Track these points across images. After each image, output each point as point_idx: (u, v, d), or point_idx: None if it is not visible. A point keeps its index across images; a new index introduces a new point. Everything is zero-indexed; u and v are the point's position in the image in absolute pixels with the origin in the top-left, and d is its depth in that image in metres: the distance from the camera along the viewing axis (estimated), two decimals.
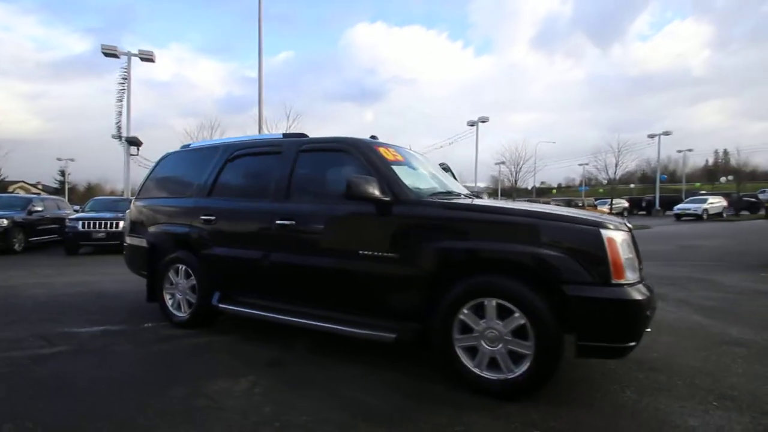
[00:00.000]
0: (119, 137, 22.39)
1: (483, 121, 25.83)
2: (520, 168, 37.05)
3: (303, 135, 3.49)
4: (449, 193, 3.12)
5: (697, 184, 51.66)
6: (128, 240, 4.28)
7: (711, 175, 62.71)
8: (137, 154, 16.85)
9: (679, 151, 42.83)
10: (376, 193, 2.66)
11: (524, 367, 2.31)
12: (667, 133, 31.16)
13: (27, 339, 3.45)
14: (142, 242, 4.02)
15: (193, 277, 3.65)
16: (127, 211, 4.36)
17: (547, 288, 2.28)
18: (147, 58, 16.37)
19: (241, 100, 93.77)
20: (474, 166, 26.18)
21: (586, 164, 50.58)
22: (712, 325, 3.91)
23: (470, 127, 26.59)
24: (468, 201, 2.89)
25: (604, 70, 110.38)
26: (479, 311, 2.44)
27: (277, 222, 3.12)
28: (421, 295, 2.60)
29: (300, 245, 3.06)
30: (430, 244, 2.55)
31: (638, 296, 2.17)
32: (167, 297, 3.85)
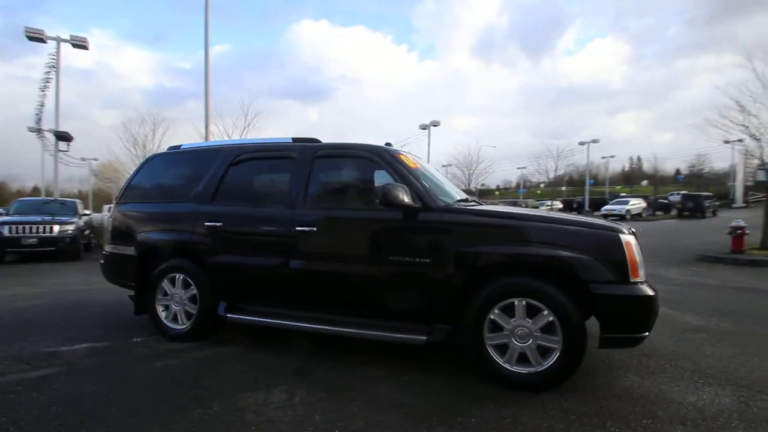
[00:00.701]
0: (38, 130, 19.97)
1: (435, 125, 26.69)
2: (474, 170, 38.74)
3: (315, 140, 3.46)
4: (465, 199, 3.29)
5: (618, 187, 57.43)
6: (109, 249, 3.92)
7: (627, 179, 70.29)
8: (67, 150, 15.17)
9: (603, 158, 47.39)
10: (407, 200, 2.74)
11: (552, 360, 2.53)
12: (595, 141, 34.39)
13: (0, 362, 3.05)
14: (129, 251, 3.71)
15: (193, 287, 3.46)
16: (107, 217, 3.99)
17: (572, 287, 2.52)
18: (80, 44, 14.76)
19: (173, 92, 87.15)
20: None
21: (524, 168, 54.29)
22: (671, 314, 4.48)
23: (422, 130, 27.39)
24: (495, 208, 3.07)
25: (536, 81, 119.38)
26: (508, 311, 2.62)
27: (297, 228, 3.07)
28: (451, 297, 2.72)
29: (323, 252, 3.05)
30: (463, 249, 2.69)
31: (651, 292, 2.48)
32: (160, 309, 3.60)
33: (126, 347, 3.40)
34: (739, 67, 9.76)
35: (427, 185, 2.96)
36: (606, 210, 28.61)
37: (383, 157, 3.07)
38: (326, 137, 3.46)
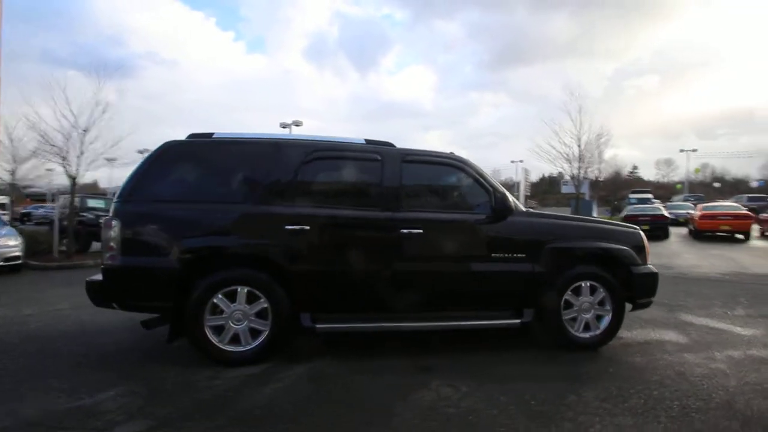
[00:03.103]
0: None
1: (297, 125, 26.22)
2: None
3: (389, 144, 3.51)
4: None
5: None
6: (120, 262, 2.92)
7: None
8: None
9: None
10: (512, 205, 3.23)
11: (604, 324, 3.44)
12: None
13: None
14: (163, 262, 2.91)
15: (262, 300, 3.02)
16: (113, 221, 2.95)
17: (617, 270, 3.49)
18: None
19: None
20: None
21: None
22: None
23: (283, 129, 26.55)
24: (557, 213, 3.81)
25: (363, 93, 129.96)
26: (576, 291, 3.41)
27: (402, 231, 3.13)
28: (537, 285, 3.34)
29: (428, 253, 3.20)
30: (549, 245, 3.34)
31: (656, 270, 3.67)
32: (209, 331, 2.98)
33: (179, 385, 2.72)
34: (559, 109, 13.58)
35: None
36: None
37: (470, 166, 3.44)
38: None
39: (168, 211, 3.04)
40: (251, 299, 3.03)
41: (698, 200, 23.93)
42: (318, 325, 3.07)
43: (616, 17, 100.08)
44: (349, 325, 3.13)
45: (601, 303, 3.45)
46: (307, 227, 3.07)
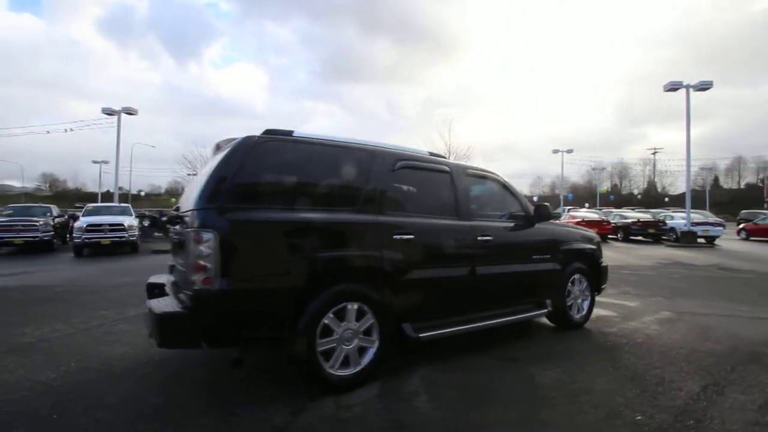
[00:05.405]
0: None
1: (130, 113, 21.52)
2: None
3: (442, 156, 3.77)
4: None
5: None
6: (225, 285, 2.23)
7: None
8: None
9: None
10: (551, 213, 3.97)
11: (586, 306, 4.53)
12: None
13: None
14: (286, 281, 2.43)
15: (369, 315, 2.87)
16: (204, 233, 2.21)
17: (591, 264, 4.62)
18: None
19: None
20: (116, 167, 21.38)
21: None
22: None
23: (107, 116, 21.52)
24: (556, 221, 4.67)
25: (181, 83, 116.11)
26: (573, 282, 4.39)
27: (479, 238, 3.46)
28: (554, 279, 4.16)
29: (498, 256, 3.60)
30: (561, 247, 4.20)
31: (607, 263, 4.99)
32: (321, 357, 2.65)
33: (324, 421, 2.37)
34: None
35: None
36: None
37: (505, 180, 4.05)
38: None
39: (281, 219, 2.57)
40: (359, 316, 2.83)
41: None
42: (421, 335, 3.08)
43: (426, 51, 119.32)
44: (447, 330, 3.23)
45: (585, 290, 4.52)
46: (412, 236, 3.06)
